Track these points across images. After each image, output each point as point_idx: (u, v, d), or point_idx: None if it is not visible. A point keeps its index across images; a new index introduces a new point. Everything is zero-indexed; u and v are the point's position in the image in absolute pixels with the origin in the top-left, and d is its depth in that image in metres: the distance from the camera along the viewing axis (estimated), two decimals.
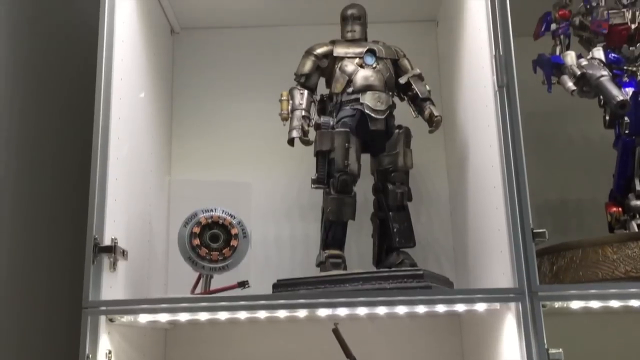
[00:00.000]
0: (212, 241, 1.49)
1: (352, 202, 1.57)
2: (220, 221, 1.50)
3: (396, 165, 1.61)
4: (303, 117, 1.60)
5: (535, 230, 1.30)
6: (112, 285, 1.35)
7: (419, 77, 1.68)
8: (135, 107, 1.59)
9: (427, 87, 1.68)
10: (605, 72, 1.52)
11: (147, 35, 1.68)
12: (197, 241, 1.48)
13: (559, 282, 1.44)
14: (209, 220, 1.50)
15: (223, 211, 1.52)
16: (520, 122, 1.37)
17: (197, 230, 1.48)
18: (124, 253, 1.37)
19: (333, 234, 1.56)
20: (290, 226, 1.86)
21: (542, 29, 1.69)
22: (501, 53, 1.39)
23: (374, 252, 1.64)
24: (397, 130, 1.62)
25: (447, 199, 1.88)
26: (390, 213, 1.59)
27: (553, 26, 1.67)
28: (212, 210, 1.51)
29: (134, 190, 1.54)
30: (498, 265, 1.38)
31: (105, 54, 1.39)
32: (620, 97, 1.44)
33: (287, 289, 1.46)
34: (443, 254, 1.85)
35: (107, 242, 1.32)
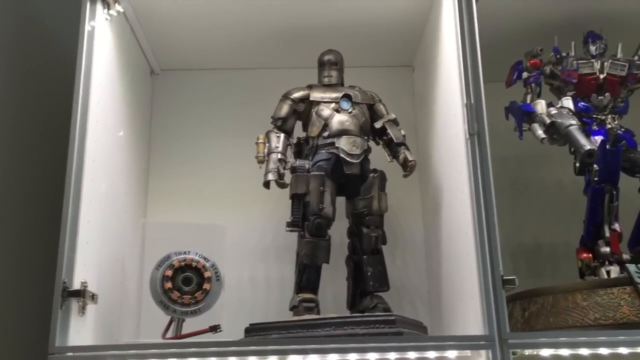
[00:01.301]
0: (185, 284, 1.49)
1: (326, 246, 1.57)
2: (194, 264, 1.50)
3: (371, 208, 1.62)
4: (279, 160, 1.62)
5: (505, 277, 1.31)
6: (80, 330, 1.33)
7: (394, 122, 1.71)
8: (112, 149, 1.60)
9: (402, 132, 1.71)
10: (574, 121, 1.56)
11: (125, 76, 1.70)
12: (169, 284, 1.47)
13: (530, 328, 1.45)
14: (182, 263, 1.49)
15: (197, 254, 1.51)
16: (490, 170, 1.39)
17: (169, 273, 1.48)
18: (93, 297, 1.36)
19: (307, 277, 1.56)
20: (266, 269, 1.86)
21: (514, 77, 1.74)
22: (472, 102, 1.42)
23: (348, 295, 1.64)
24: (372, 174, 1.64)
25: (423, 243, 1.89)
26: (365, 257, 1.60)
27: (525, 74, 1.72)
28: (185, 253, 1.51)
29: (107, 232, 1.54)
30: (469, 311, 1.38)
31: (82, 97, 1.40)
32: (588, 147, 1.48)
33: (259, 333, 1.46)
34: (418, 297, 1.85)
35: (76, 285, 1.31)
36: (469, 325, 1.38)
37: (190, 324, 1.52)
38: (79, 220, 1.34)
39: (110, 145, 1.58)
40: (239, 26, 1.81)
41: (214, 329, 1.49)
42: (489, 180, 1.37)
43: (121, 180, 1.68)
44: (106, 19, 1.54)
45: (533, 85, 1.71)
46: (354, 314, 1.47)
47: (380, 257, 1.62)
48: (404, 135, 1.70)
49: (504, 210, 2.00)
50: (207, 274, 1.49)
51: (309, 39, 1.84)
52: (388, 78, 2.04)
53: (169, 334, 1.49)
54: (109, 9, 1.54)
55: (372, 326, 1.38)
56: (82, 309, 1.33)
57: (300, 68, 1.80)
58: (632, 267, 1.37)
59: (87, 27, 1.45)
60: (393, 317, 1.38)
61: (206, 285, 1.48)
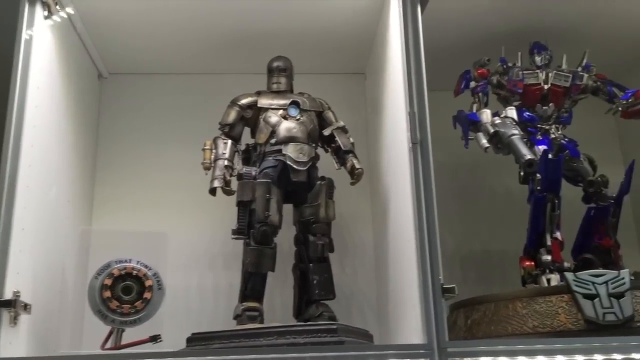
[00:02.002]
0: (125, 293, 1.46)
1: (272, 254, 1.56)
2: (134, 272, 1.47)
3: (318, 216, 1.61)
4: (225, 166, 1.60)
5: (445, 286, 1.31)
6: (12, 341, 1.28)
7: (343, 130, 1.71)
8: (53, 154, 1.56)
9: (351, 140, 1.71)
10: (516, 131, 1.58)
11: (69, 79, 1.66)
12: (107, 293, 1.44)
13: (473, 336, 1.46)
14: (122, 272, 1.46)
15: (138, 262, 1.49)
16: (433, 178, 1.39)
17: (108, 282, 1.44)
18: (26, 307, 1.32)
19: (252, 285, 1.55)
20: (213, 277, 1.83)
21: (462, 86, 1.76)
22: (415, 110, 1.42)
23: (294, 303, 1.63)
24: (319, 182, 1.63)
25: (372, 250, 1.89)
26: (311, 265, 1.59)
27: (472, 84, 1.74)
28: (126, 261, 1.48)
29: (45, 239, 1.50)
30: (411, 319, 1.38)
31: (17, 100, 1.36)
32: (528, 156, 1.50)
33: (201, 343, 1.43)
34: (367, 305, 1.85)
35: (8, 295, 1.27)
36: (412, 334, 1.39)
37: (132, 334, 1.49)
38: (12, 228, 1.30)
39: (51, 150, 1.55)
40: (189, 31, 1.80)
41: (154, 339, 1.46)
42: (430, 188, 1.37)
43: (64, 187, 1.64)
44: (47, 22, 1.50)
45: (480, 94, 1.73)
46: (296, 323, 1.46)
47: (327, 265, 1.61)
48: (352, 143, 1.70)
49: (455, 218, 2.05)
50: (148, 283, 1.46)
51: (260, 45, 1.83)
52: (341, 85, 2.04)
53: (109, 344, 1.46)
54: (49, 12, 1.50)
55: (313, 335, 1.37)
56: (14, 320, 1.29)
57: (251, 74, 1.79)
58: (570, 276, 1.39)
59: (24, 30, 1.41)
60: (335, 326, 1.38)
61: (147, 294, 1.45)
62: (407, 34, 1.48)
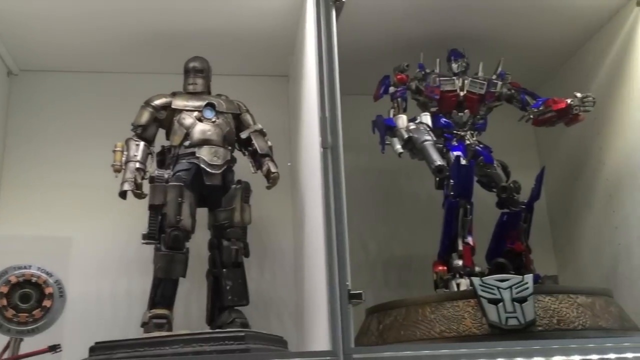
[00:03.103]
0: (23, 301, 1.39)
1: (183, 259, 1.52)
2: (34, 279, 1.40)
3: (232, 220, 1.58)
4: (137, 169, 1.56)
5: (352, 292, 1.30)
6: None
7: (261, 133, 1.69)
8: None
9: (269, 143, 1.69)
10: (429, 137, 1.59)
11: None
12: (4, 302, 1.36)
13: (384, 341, 1.46)
14: (20, 279, 1.39)
15: (38, 268, 1.42)
16: (343, 183, 1.39)
17: (5, 289, 1.37)
18: None
19: (162, 292, 1.50)
20: (126, 282, 1.77)
21: (381, 91, 1.77)
22: (327, 115, 1.41)
23: (207, 310, 1.59)
24: (234, 186, 1.60)
25: (292, 255, 1.88)
26: (224, 270, 1.56)
27: (391, 89, 1.75)
28: (25, 268, 1.41)
29: None
30: (321, 325, 1.37)
31: None
32: (438, 162, 1.52)
33: (104, 352, 1.38)
34: (285, 311, 1.83)
35: None
36: (321, 340, 1.37)
37: (34, 343, 1.42)
38: None
39: None
40: (105, 29, 1.74)
41: (53, 348, 1.40)
42: (340, 193, 1.36)
43: None
44: None
45: (399, 99, 1.74)
46: (202, 331, 1.42)
47: (241, 271, 1.58)
48: (270, 147, 1.68)
49: (378, 223, 2.06)
50: (48, 290, 1.39)
51: (178, 45, 1.78)
52: (266, 88, 2.03)
53: (6, 355, 1.39)
54: None
55: (220, 343, 1.34)
56: None
57: (169, 74, 1.75)
58: (477, 280, 1.41)
59: None
60: (242, 333, 1.35)
61: (46, 302, 1.38)
62: (320, 38, 1.47)
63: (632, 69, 1.70)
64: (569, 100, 1.65)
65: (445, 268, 1.58)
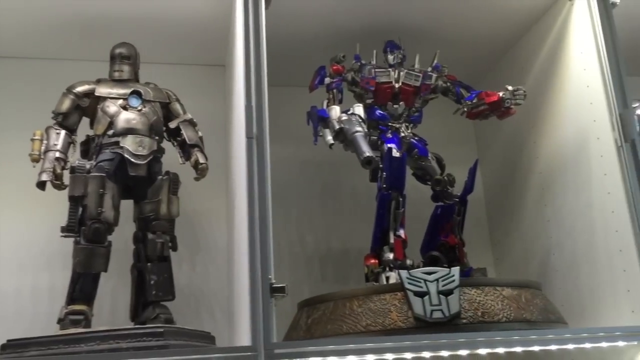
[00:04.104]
0: None
1: (104, 253, 1.46)
2: None
3: (158, 213, 1.53)
4: (57, 159, 1.49)
5: (275, 285, 1.27)
6: None
7: (190, 123, 1.64)
8: None
9: (199, 134, 1.64)
10: (360, 128, 1.57)
11: None
12: None
13: (311, 336, 1.43)
14: None
15: None
16: (269, 174, 1.35)
17: None
18: None
19: (81, 287, 1.45)
20: (50, 277, 1.70)
21: (316, 82, 1.73)
22: (253, 104, 1.38)
23: (131, 306, 1.54)
24: (160, 177, 1.55)
25: (226, 248, 1.83)
26: (149, 264, 1.51)
27: (327, 80, 1.72)
28: None
29: None
30: (245, 320, 1.33)
31: None
32: (367, 154, 1.50)
33: (16, 350, 1.32)
34: (218, 306, 1.79)
35: None
36: (244, 335, 1.34)
37: None
38: None
39: None
40: (23, 12, 1.65)
41: None
42: (264, 184, 1.33)
43: None
44: None
45: (335, 91, 1.71)
46: (120, 327, 1.37)
47: (167, 265, 1.53)
48: (200, 137, 1.63)
49: (316, 216, 2.04)
50: None
51: (107, 31, 1.71)
52: (201, 76, 1.98)
53: None
54: None
55: (138, 339, 1.29)
56: None
57: (96, 61, 1.68)
58: (404, 273, 1.39)
59: None
60: (161, 329, 1.31)
61: None
62: (247, 26, 1.43)
63: (564, 63, 1.71)
64: (501, 94, 1.65)
65: (376, 261, 1.56)
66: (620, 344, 1.40)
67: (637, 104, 1.71)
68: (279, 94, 1.96)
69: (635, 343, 1.41)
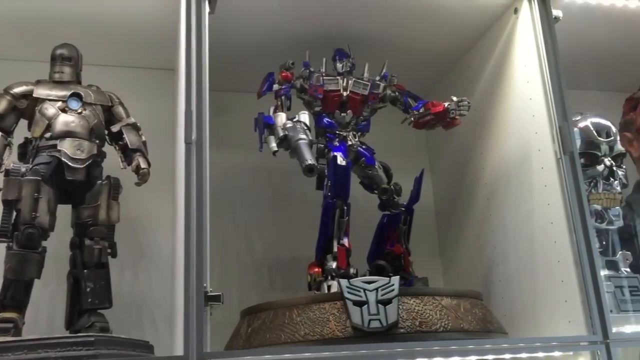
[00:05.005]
0: None
1: (38, 259, 1.42)
2: None
3: (96, 218, 1.50)
4: None
5: (210, 294, 1.25)
6: None
7: (133, 127, 1.61)
8: None
9: (143, 138, 1.61)
10: (304, 136, 1.56)
11: None
12: None
13: (250, 345, 1.41)
14: None
15: None
16: (208, 180, 1.33)
17: None
18: None
19: (12, 294, 1.40)
20: None
21: (265, 88, 1.72)
22: (193, 109, 1.36)
23: (66, 313, 1.50)
24: (99, 182, 1.51)
25: (170, 255, 1.79)
26: (85, 271, 1.47)
27: (275, 86, 1.71)
28: None
29: None
30: (180, 329, 1.30)
31: None
32: (308, 162, 1.49)
33: None
34: (160, 313, 1.75)
35: None
36: (179, 344, 1.31)
37: None
38: None
39: None
40: None
41: None
42: (202, 191, 1.31)
43: None
44: None
45: (283, 97, 1.70)
46: (49, 336, 1.33)
47: (104, 272, 1.50)
48: (143, 142, 1.61)
49: (265, 224, 2.02)
50: None
51: (48, 31, 1.67)
52: (151, 80, 1.95)
53: None
54: None
55: (68, 348, 1.26)
56: None
57: (37, 62, 1.63)
58: (344, 282, 1.38)
59: None
60: (92, 339, 1.28)
61: None
62: (189, 30, 1.42)
63: (509, 75, 1.73)
64: (446, 104, 1.66)
65: (319, 270, 1.55)
66: (557, 354, 1.41)
67: (578, 117, 1.75)
68: (231, 100, 1.97)
69: (571, 353, 1.43)
